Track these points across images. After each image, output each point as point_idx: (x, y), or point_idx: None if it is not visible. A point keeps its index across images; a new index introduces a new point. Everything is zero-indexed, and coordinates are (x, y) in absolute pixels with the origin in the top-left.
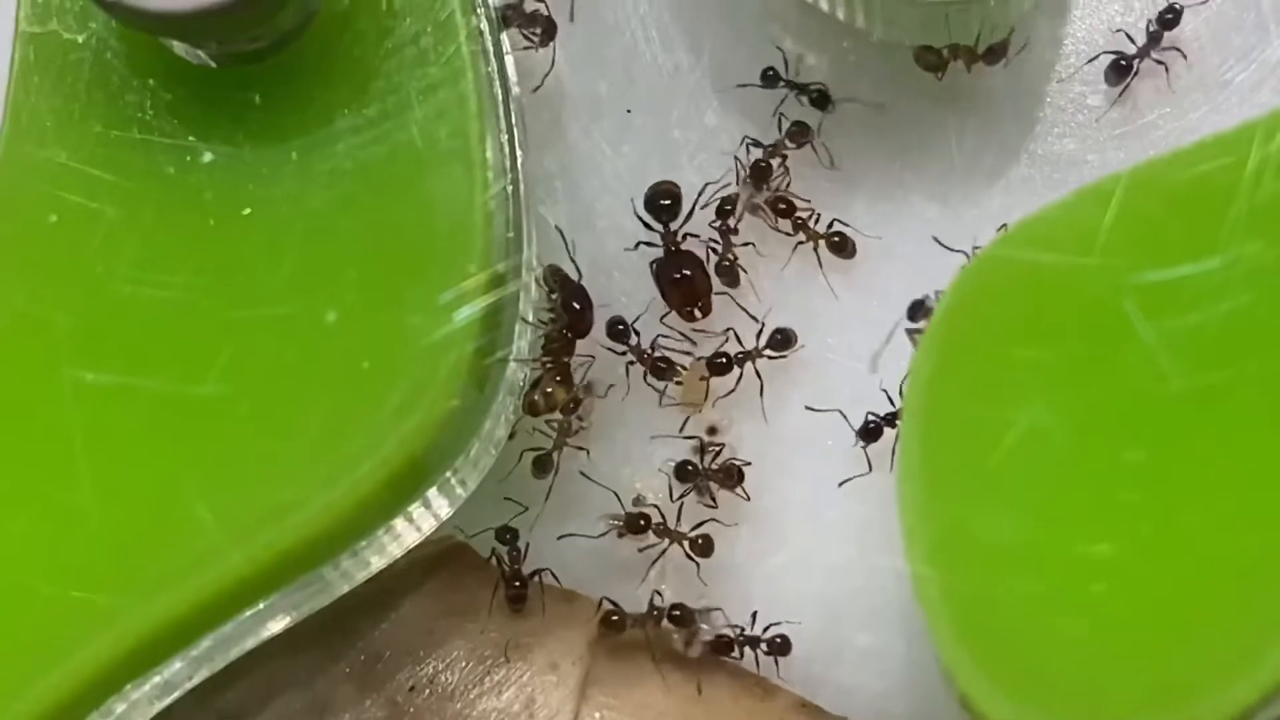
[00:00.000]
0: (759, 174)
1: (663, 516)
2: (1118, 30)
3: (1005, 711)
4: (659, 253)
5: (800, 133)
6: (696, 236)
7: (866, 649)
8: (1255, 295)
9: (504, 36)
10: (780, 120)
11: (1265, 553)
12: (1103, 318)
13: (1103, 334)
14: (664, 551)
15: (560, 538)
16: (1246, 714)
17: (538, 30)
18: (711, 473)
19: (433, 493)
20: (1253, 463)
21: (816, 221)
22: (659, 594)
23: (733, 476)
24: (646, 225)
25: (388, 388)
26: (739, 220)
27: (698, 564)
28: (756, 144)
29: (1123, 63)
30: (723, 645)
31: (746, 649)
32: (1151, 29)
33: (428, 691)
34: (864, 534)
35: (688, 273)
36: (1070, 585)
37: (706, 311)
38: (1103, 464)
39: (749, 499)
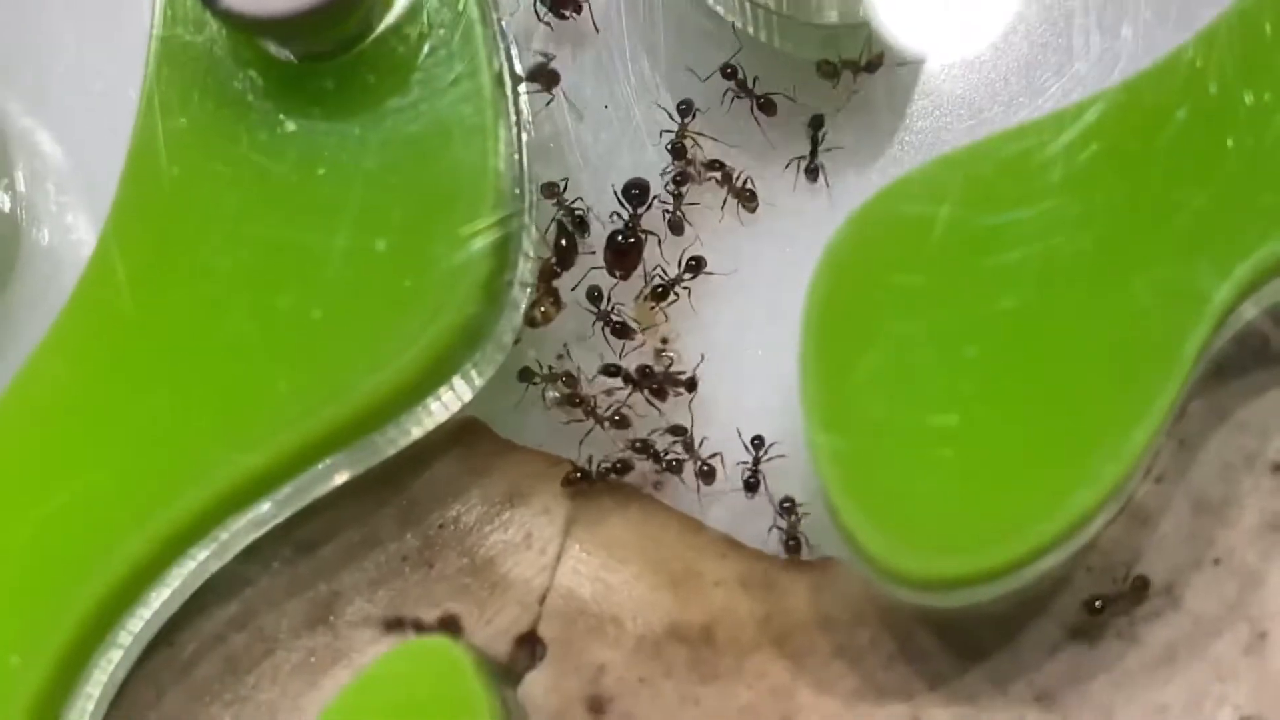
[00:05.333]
0: (676, 152)
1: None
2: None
3: (879, 544)
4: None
5: (686, 109)
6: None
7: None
8: (1059, 238)
9: (513, 47)
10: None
11: (1063, 423)
12: (952, 252)
13: (952, 265)
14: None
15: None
16: (1054, 544)
17: (543, 80)
18: (667, 376)
19: (456, 380)
20: (1054, 358)
21: (737, 178)
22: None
23: (679, 382)
24: (620, 203)
25: (423, 299)
26: (683, 185)
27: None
28: (668, 131)
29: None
30: (672, 463)
31: (687, 465)
32: None
33: (452, 528)
34: (774, 416)
35: (630, 244)
36: (926, 448)
37: (627, 277)
38: (950, 360)
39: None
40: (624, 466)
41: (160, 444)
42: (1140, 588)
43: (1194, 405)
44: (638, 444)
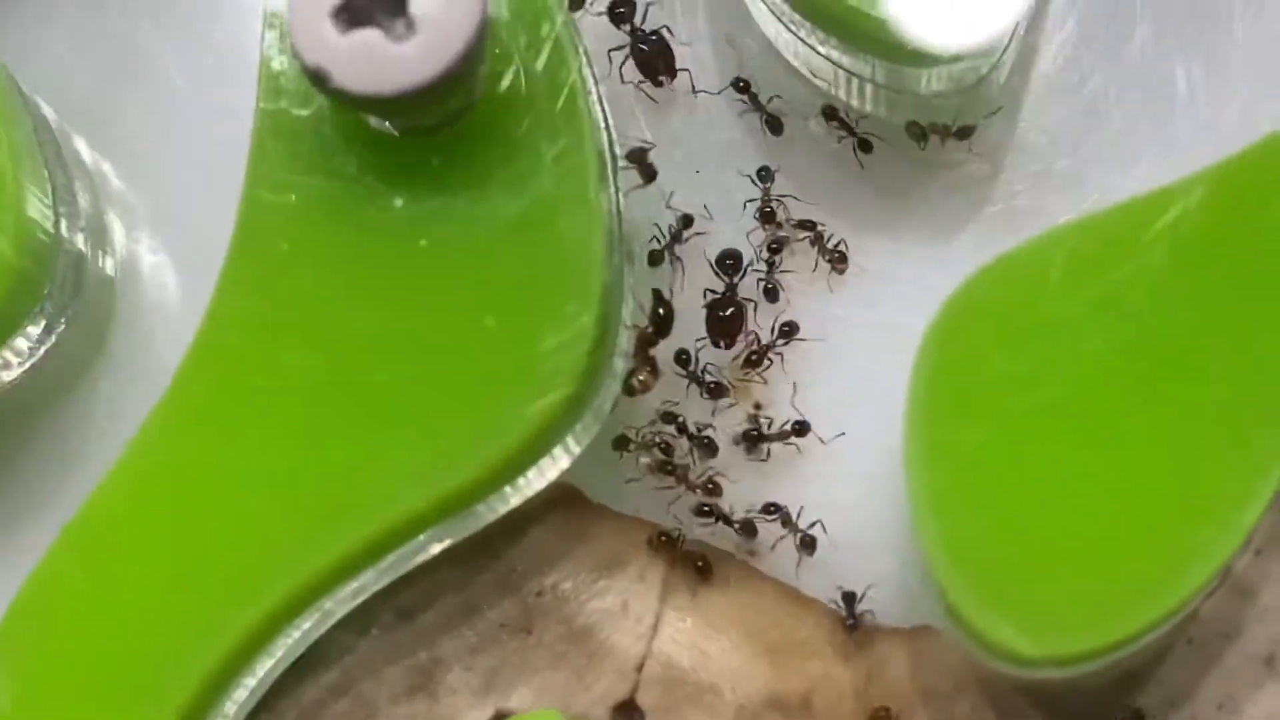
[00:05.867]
0: (765, 217)
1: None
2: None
3: (988, 623)
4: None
5: (766, 174)
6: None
7: (873, 572)
8: (1165, 315)
9: (608, 110)
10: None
11: (1173, 500)
12: (1058, 330)
13: (1058, 342)
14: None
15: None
16: (1164, 622)
17: (642, 172)
18: (771, 435)
19: (556, 451)
20: (1163, 434)
21: (829, 239)
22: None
23: (795, 430)
24: (716, 274)
25: (529, 375)
26: (779, 253)
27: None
28: (752, 200)
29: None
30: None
31: (787, 536)
32: None
33: (550, 595)
34: (871, 482)
35: (731, 313)
36: (1034, 528)
37: (731, 345)
38: (1058, 437)
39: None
40: (748, 528)
41: (271, 519)
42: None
43: None
44: (738, 525)
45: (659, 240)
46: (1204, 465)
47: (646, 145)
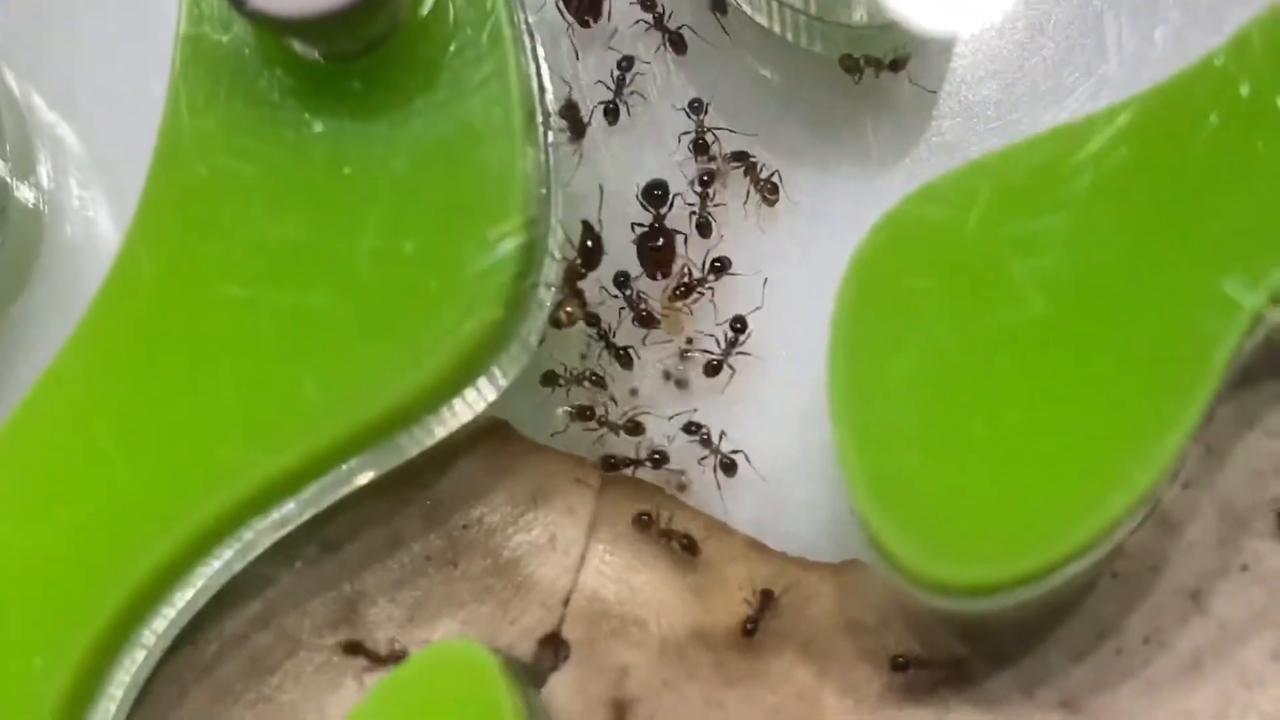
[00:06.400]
0: (698, 148)
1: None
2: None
3: (907, 551)
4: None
5: (699, 106)
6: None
7: (800, 501)
8: (1090, 244)
9: (540, 48)
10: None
11: (1093, 429)
12: (982, 259)
13: (982, 271)
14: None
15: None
16: (1084, 550)
17: (571, 128)
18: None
19: (481, 381)
20: (1084, 365)
21: (761, 169)
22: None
23: (715, 369)
24: (644, 207)
25: (450, 301)
26: (710, 185)
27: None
28: (686, 133)
29: None
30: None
31: (708, 458)
32: None
33: (477, 528)
34: (800, 417)
35: (662, 244)
36: (955, 455)
37: (667, 275)
38: (980, 366)
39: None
40: (661, 458)
41: (186, 445)
42: None
43: (1222, 411)
44: (655, 455)
45: (608, 88)
46: (1124, 395)
47: (574, 105)
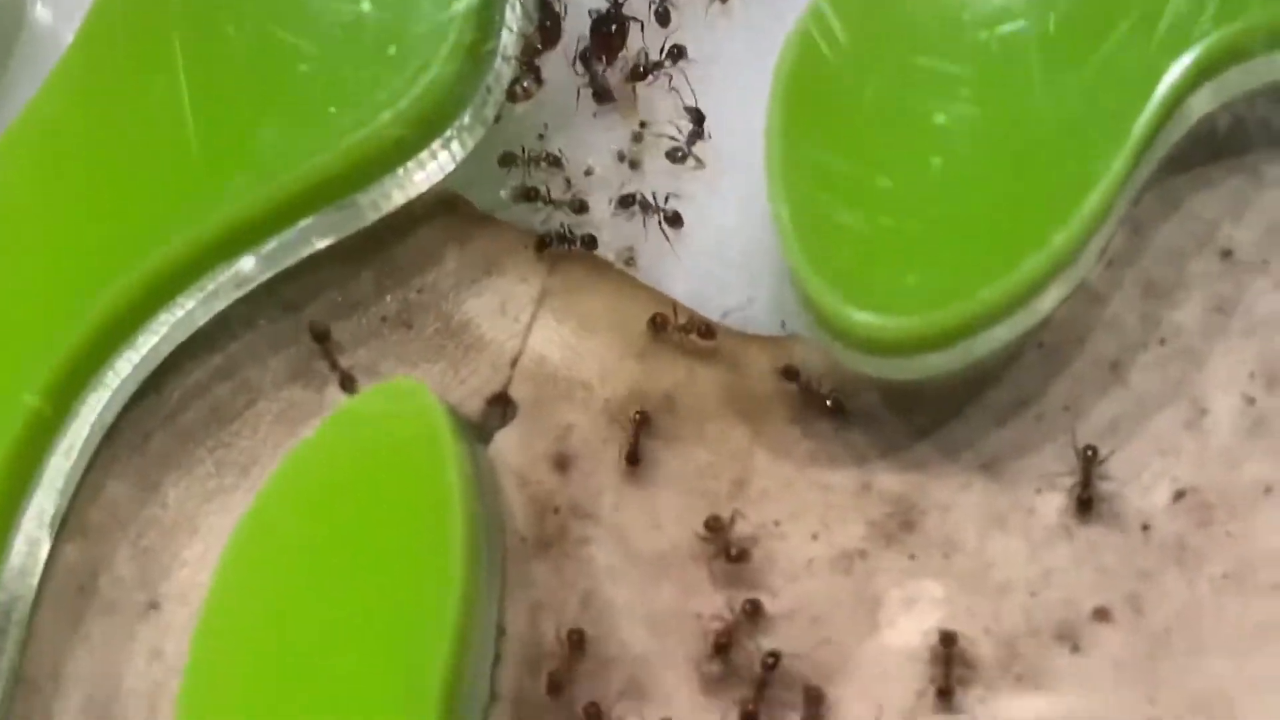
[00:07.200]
0: None
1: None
2: None
3: (832, 303)
4: None
5: None
6: None
7: (742, 277)
8: (1015, 15)
9: None
10: None
11: (1015, 191)
12: (909, 29)
13: (909, 40)
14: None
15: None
16: (1004, 309)
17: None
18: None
19: (437, 146)
20: (1008, 130)
21: None
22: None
23: (680, 157)
24: None
25: (406, 56)
26: None
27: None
28: None
29: None
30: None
31: (653, 216)
32: None
33: (431, 292)
34: (751, 202)
35: (615, 29)
36: (881, 214)
37: (613, 60)
38: (907, 129)
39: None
40: (591, 241)
41: (150, 187)
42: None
43: (1148, 195)
44: (585, 237)
45: None
46: (1045, 160)
47: None
